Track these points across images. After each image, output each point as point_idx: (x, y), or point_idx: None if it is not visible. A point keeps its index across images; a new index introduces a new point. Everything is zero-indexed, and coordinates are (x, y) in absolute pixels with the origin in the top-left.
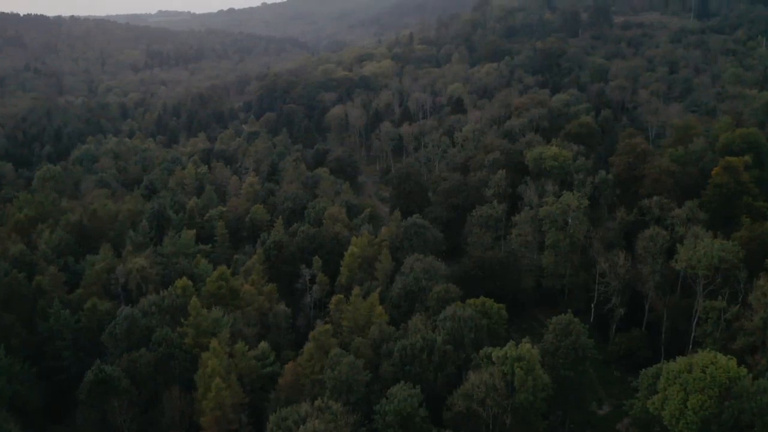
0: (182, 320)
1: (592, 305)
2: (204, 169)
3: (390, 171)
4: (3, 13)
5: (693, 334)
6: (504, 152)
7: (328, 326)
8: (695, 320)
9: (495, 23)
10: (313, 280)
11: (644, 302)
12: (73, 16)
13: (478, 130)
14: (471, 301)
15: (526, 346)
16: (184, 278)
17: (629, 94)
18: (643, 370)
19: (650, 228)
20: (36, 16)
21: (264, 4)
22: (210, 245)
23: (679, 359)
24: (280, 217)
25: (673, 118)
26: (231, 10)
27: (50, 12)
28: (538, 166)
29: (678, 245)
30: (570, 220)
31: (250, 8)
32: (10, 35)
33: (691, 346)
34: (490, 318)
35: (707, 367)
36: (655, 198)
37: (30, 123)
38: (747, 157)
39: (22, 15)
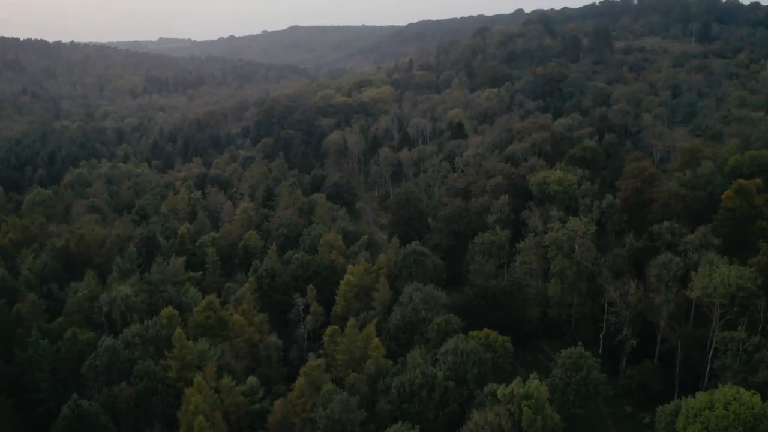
0: (166, 352)
1: (601, 336)
2: (198, 194)
3: (389, 197)
4: (3, 37)
5: (709, 366)
6: (506, 177)
7: (320, 360)
8: (711, 351)
9: (495, 49)
10: (306, 310)
11: (656, 332)
12: (73, 41)
13: (479, 154)
14: (474, 333)
15: (534, 382)
16: (170, 308)
17: (632, 118)
18: (660, 407)
19: (662, 254)
20: (36, 40)
21: (264, 32)
22: (200, 273)
23: (699, 395)
24: (274, 243)
25: (678, 141)
26: (231, 38)
27: (51, 37)
28: (541, 191)
29: (693, 272)
30: (577, 247)
31: (251, 36)
32: (9, 59)
33: (706, 379)
34: (495, 351)
35: (730, 404)
36: (666, 223)
37: (24, 146)
38: (758, 180)
39: (22, 40)
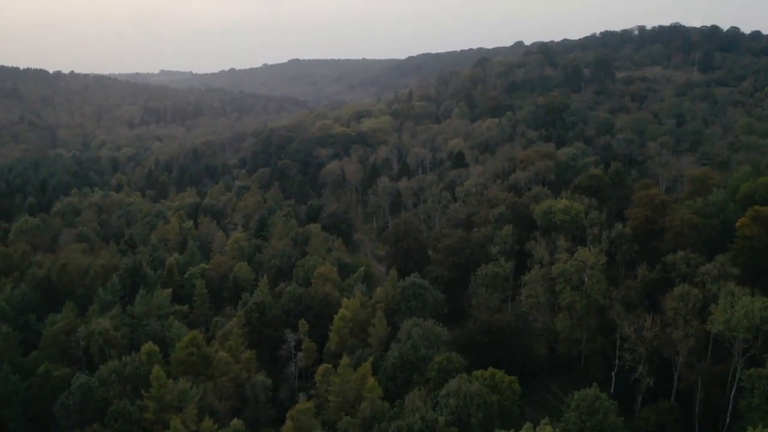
0: (144, 392)
1: (613, 374)
2: (189, 224)
3: (387, 228)
4: (3, 66)
5: (731, 406)
6: (509, 206)
7: (309, 404)
8: (733, 390)
9: (495, 79)
10: (298, 347)
11: (673, 370)
12: (72, 71)
13: (481, 184)
14: (478, 373)
15: (546, 429)
16: (150, 343)
17: (637, 147)
18: None
19: (679, 286)
20: (36, 70)
21: (265, 65)
22: (188, 306)
23: None
24: (266, 275)
25: (685, 170)
26: (232, 71)
27: (52, 67)
28: (547, 221)
29: (713, 305)
30: (586, 279)
31: (251, 69)
32: (7, 88)
33: (728, 420)
34: (501, 393)
35: None
36: (680, 253)
37: (16, 174)
38: None
39: (22, 69)
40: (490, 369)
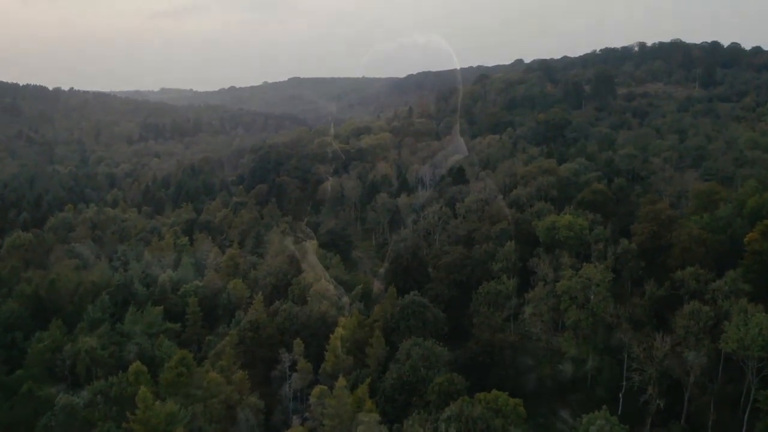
0: (130, 414)
1: (620, 395)
2: (184, 240)
3: (387, 245)
4: (3, 82)
5: (744, 428)
6: (511, 222)
7: (301, 429)
8: (747, 411)
9: (496, 96)
10: (293, 367)
11: (683, 390)
12: (72, 88)
13: (482, 200)
14: (480, 395)
15: None
16: (137, 363)
17: (640, 163)
18: None
19: (689, 303)
20: (35, 86)
21: (265, 83)
22: (179, 324)
23: None
24: (260, 293)
25: (689, 185)
26: (232, 88)
27: (52, 84)
28: (550, 237)
29: (725, 323)
30: (592, 296)
31: (251, 87)
32: (6, 103)
33: None
34: (505, 417)
35: None
36: (689, 269)
37: (10, 189)
38: None
39: (21, 85)
40: (494, 391)
